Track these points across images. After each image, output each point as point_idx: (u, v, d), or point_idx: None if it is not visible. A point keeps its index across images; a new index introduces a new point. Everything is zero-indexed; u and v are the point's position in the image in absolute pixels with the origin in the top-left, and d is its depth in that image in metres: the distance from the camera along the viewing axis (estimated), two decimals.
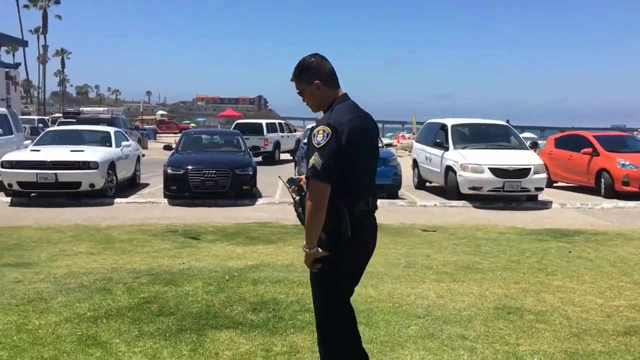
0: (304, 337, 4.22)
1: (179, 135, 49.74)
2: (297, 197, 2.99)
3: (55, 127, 15.15)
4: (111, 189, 12.10)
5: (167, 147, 14.07)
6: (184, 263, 6.48)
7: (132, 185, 14.14)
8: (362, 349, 3.15)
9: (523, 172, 11.87)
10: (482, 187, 11.87)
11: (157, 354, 3.94)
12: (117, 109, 43.43)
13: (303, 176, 3.04)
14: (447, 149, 12.97)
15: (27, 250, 7.09)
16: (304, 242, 2.81)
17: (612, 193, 13.02)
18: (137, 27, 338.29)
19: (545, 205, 12.15)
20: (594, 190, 13.66)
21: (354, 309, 3.17)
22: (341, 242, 2.79)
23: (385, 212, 11.07)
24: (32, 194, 11.71)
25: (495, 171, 11.79)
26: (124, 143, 13.56)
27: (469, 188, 11.97)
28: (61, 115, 36.40)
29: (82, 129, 14.68)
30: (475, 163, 11.97)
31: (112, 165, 12.11)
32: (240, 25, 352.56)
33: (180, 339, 4.19)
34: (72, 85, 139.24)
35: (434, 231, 8.71)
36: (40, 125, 29.93)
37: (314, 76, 2.90)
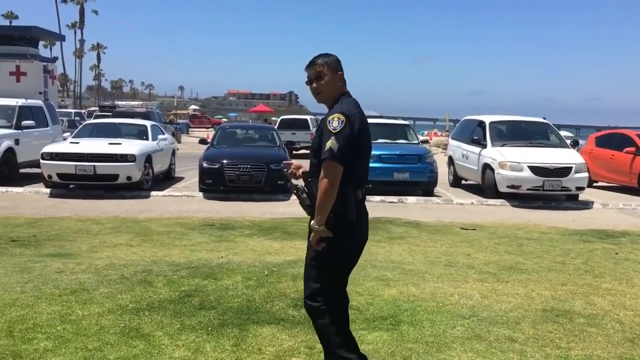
0: None
1: (211, 129, 50.06)
2: (302, 184, 3.18)
3: (93, 120, 15.31)
4: (147, 181, 12.21)
5: (203, 141, 14.14)
6: (222, 257, 6.47)
7: (167, 179, 14.24)
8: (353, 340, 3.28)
9: (564, 171, 11.57)
10: (521, 186, 11.60)
11: (199, 348, 3.91)
12: (151, 103, 43.89)
13: (293, 161, 3.41)
14: (484, 146, 12.73)
15: (68, 240, 7.17)
16: (314, 220, 3.01)
17: None
18: (171, 22, 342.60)
19: (587, 205, 11.83)
20: (636, 191, 13.25)
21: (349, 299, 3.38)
22: (346, 225, 3.02)
23: (422, 209, 10.95)
24: (71, 186, 11.88)
25: (535, 169, 11.51)
26: (160, 136, 13.66)
27: (507, 186, 11.71)
28: (97, 108, 36.98)
29: (119, 122, 14.82)
30: (514, 161, 11.71)
31: (148, 159, 12.22)
32: (271, 21, 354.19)
33: (222, 334, 4.15)
34: (106, 80, 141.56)
35: (474, 230, 8.53)
36: (77, 118, 30.55)
37: (339, 67, 3.19)
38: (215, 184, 11.78)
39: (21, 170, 13.39)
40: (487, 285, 5.48)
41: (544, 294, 5.22)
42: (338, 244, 3.04)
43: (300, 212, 10.31)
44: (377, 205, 11.23)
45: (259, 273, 5.70)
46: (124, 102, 39.66)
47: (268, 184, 11.78)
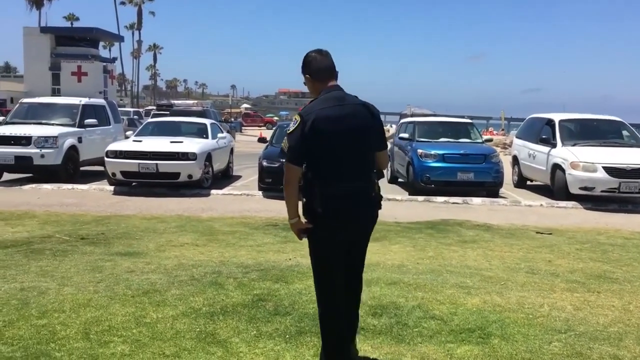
0: (434, 348, 3.87)
1: (264, 128, 50.08)
2: None
3: (155, 119, 15.48)
4: (207, 180, 12.22)
5: (262, 140, 14.06)
6: (290, 259, 6.29)
7: (225, 177, 14.26)
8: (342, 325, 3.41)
9: None
10: (594, 188, 11.00)
11: (279, 357, 3.73)
12: (205, 102, 44.53)
13: None
14: (554, 145, 12.16)
15: (136, 239, 7.14)
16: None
17: None
18: (223, 22, 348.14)
19: None
20: None
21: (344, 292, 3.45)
22: (317, 217, 3.17)
23: (488, 211, 10.51)
24: (133, 183, 12.00)
25: (610, 170, 10.88)
26: (219, 135, 13.68)
27: (580, 188, 11.12)
28: (155, 107, 37.73)
29: (180, 121, 14.93)
30: (587, 161, 11.11)
31: (208, 157, 12.23)
32: (321, 19, 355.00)
33: (301, 342, 3.96)
34: (162, 79, 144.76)
35: (550, 234, 8.07)
36: (136, 117, 31.19)
37: (306, 70, 3.36)
38: (275, 182, 11.62)
39: (81, 168, 13.63)
40: (577, 295, 5.09)
41: None
42: (315, 235, 3.25)
43: None
44: (440, 206, 10.87)
45: None
46: (179, 101, 40.41)
47: None
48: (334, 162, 3.17)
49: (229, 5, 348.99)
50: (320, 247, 3.31)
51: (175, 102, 38.47)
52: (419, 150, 12.27)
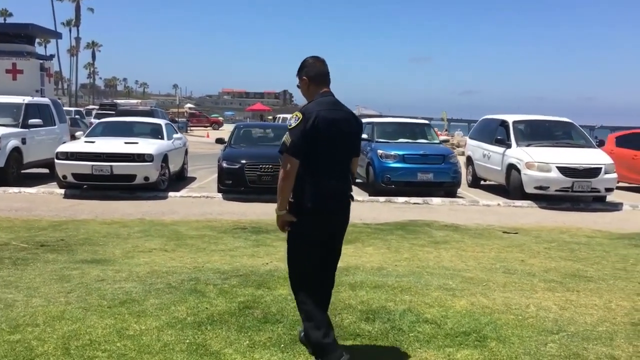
0: (434, 354, 3.80)
1: (210, 128, 49.05)
2: None
3: (107, 119, 14.85)
4: (164, 182, 11.84)
5: (220, 141, 13.77)
6: (267, 263, 6.12)
7: (179, 179, 13.86)
8: (325, 314, 3.59)
9: (593, 172, 11.31)
10: (549, 187, 11.33)
11: None
12: (149, 101, 43.41)
13: None
14: (509, 146, 12.45)
15: (100, 245, 6.79)
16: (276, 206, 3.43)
17: None
18: (164, 21, 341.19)
19: (616, 207, 11.58)
20: None
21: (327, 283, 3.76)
22: (305, 210, 3.35)
23: (449, 211, 10.64)
24: (84, 186, 11.48)
25: (564, 170, 11.24)
26: (175, 136, 13.30)
27: (535, 187, 11.43)
28: (97, 107, 36.44)
29: (133, 121, 14.40)
30: (542, 161, 11.43)
31: (165, 158, 11.84)
32: (263, 19, 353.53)
33: (297, 351, 3.81)
34: (100, 78, 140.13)
35: (516, 233, 8.22)
36: (78, 116, 29.96)
37: (303, 73, 3.54)
38: (235, 184, 11.41)
39: (24, 171, 12.89)
40: (559, 295, 5.16)
41: (623, 305, 4.91)
42: (300, 227, 3.41)
43: None
44: (402, 207, 10.92)
45: None
46: (123, 101, 39.26)
47: None
48: (327, 161, 3.39)
49: (169, 3, 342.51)
50: (303, 241, 3.48)
51: (119, 101, 37.35)
52: (379, 151, 12.30)
